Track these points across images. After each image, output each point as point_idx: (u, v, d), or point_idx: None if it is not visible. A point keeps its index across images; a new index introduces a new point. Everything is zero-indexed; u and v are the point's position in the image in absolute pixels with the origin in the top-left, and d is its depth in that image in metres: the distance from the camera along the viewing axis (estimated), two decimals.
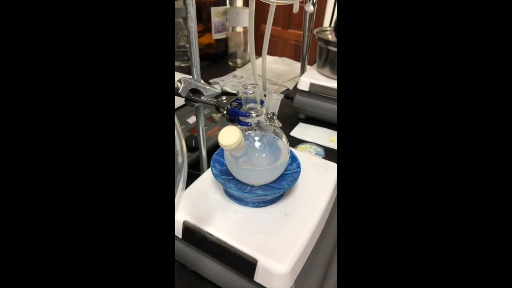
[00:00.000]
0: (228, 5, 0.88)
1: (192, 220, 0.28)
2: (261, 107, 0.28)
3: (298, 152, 0.36)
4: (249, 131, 0.29)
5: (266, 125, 0.29)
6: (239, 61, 0.93)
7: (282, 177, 0.30)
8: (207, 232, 0.27)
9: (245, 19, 0.85)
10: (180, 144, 0.20)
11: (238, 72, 0.89)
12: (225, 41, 0.93)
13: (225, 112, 0.28)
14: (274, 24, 0.55)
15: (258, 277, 0.25)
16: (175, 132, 0.20)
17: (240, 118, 0.27)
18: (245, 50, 0.93)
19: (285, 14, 1.82)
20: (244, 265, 0.25)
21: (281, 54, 1.05)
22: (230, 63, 0.94)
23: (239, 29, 0.90)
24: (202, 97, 0.30)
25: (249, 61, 0.93)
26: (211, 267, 0.29)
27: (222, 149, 0.32)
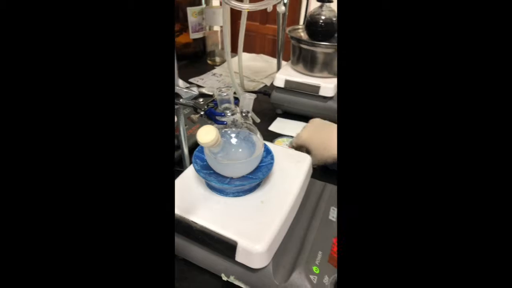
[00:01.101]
0: (204, 5, 0.90)
1: (178, 212, 0.31)
2: (235, 107, 0.31)
3: (273, 145, 0.40)
4: (225, 129, 0.32)
5: (241, 123, 0.32)
6: (217, 59, 0.95)
7: (258, 168, 0.34)
8: (192, 221, 0.30)
9: (221, 18, 0.87)
10: None
11: (217, 70, 0.91)
12: (202, 40, 0.95)
13: (202, 113, 0.31)
14: (251, 19, 0.57)
15: (239, 257, 0.29)
16: None
17: (217, 117, 0.31)
18: (223, 48, 0.95)
19: (262, 9, 1.84)
20: (226, 248, 0.29)
21: (260, 49, 1.08)
22: (209, 62, 0.96)
23: (216, 27, 0.92)
24: (181, 100, 0.33)
25: None
26: (198, 253, 0.32)
27: (202, 146, 0.35)
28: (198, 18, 0.89)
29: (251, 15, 0.50)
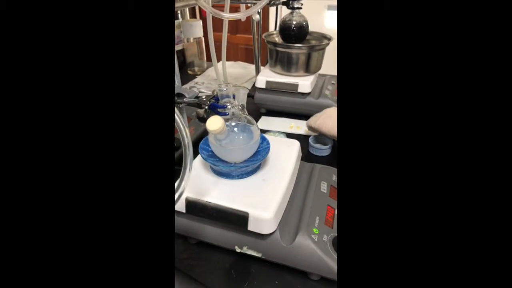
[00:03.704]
0: (180, 19, 0.95)
1: (192, 195, 0.35)
2: (234, 100, 0.37)
3: (266, 135, 0.45)
4: (227, 120, 0.37)
5: (240, 114, 0.37)
6: (197, 69, 1.00)
7: (257, 152, 0.39)
8: (206, 201, 0.35)
9: (198, 30, 0.93)
10: (184, 131, 0.28)
11: (198, 79, 0.96)
12: (182, 52, 1.00)
13: (206, 107, 0.35)
14: (221, 30, 0.62)
15: (251, 226, 0.33)
16: (179, 121, 0.27)
17: (219, 110, 0.35)
18: (201, 58, 1.01)
19: (231, 20, 1.92)
20: (239, 219, 0.33)
21: (234, 58, 1.14)
22: (190, 72, 1.00)
23: (192, 39, 0.97)
24: (185, 99, 0.38)
25: (207, 68, 1.01)
26: (212, 231, 0.37)
27: (206, 139, 0.39)
28: (176, 31, 0.94)
29: (220, 26, 0.54)
